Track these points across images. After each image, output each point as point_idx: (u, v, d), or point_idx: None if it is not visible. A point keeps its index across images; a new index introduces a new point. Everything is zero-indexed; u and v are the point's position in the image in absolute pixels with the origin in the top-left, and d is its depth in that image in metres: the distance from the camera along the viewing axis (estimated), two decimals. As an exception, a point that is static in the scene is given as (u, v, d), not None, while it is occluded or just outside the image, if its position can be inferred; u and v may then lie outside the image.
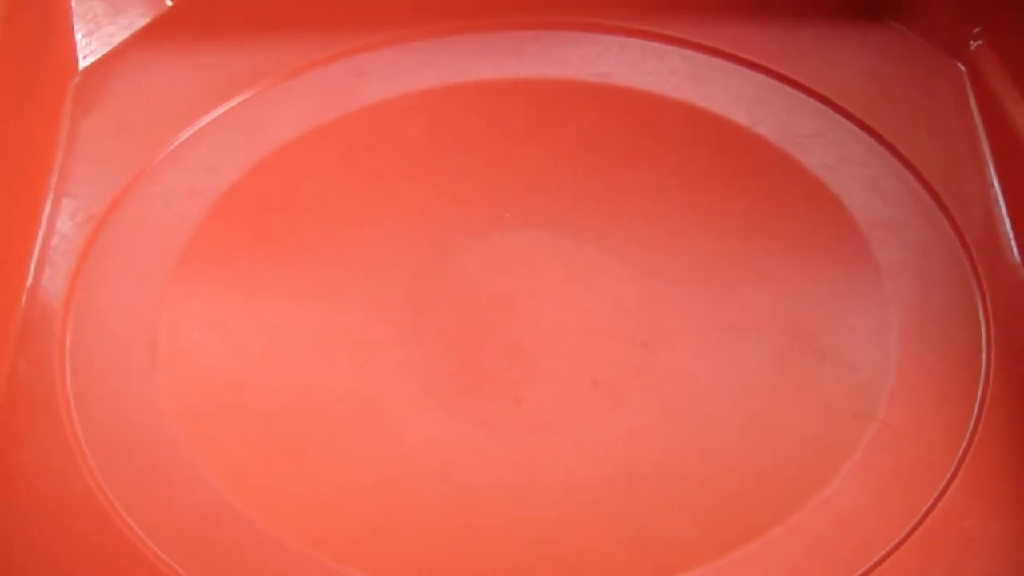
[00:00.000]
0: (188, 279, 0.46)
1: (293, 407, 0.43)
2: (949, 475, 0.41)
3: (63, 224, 0.47)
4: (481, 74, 0.52)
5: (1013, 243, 0.46)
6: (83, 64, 0.52)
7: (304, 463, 0.42)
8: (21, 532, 0.40)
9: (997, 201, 0.47)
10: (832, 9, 0.54)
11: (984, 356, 0.43)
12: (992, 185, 0.48)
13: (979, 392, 0.43)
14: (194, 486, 0.41)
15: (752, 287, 0.46)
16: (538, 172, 0.49)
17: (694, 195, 0.49)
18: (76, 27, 0.52)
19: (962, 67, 0.52)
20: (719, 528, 0.40)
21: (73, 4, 0.52)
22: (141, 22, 0.53)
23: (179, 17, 0.53)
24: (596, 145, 0.50)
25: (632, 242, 0.47)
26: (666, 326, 0.45)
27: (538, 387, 0.44)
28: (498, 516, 0.41)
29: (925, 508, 0.40)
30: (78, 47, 0.52)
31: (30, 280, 0.46)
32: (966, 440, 0.41)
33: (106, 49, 0.52)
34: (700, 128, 0.50)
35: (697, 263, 0.47)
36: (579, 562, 0.40)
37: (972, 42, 0.52)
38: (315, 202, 0.48)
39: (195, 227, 0.47)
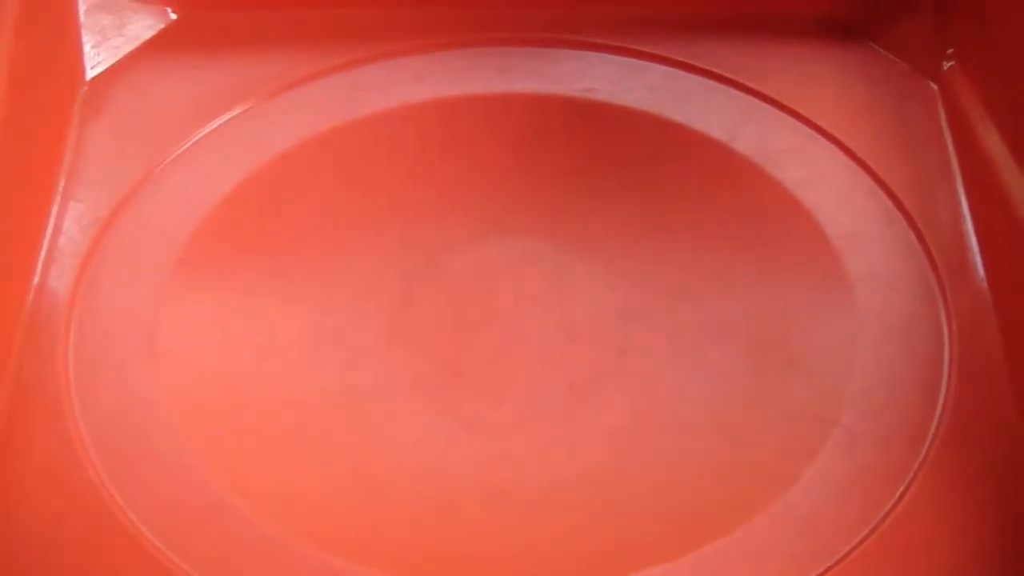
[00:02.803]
0: (188, 281, 0.47)
1: (286, 404, 0.44)
2: (908, 480, 0.42)
3: (69, 226, 0.48)
4: (471, 88, 0.52)
5: (978, 258, 0.47)
6: (91, 74, 0.53)
7: (295, 458, 0.43)
8: (24, 522, 0.41)
9: (964, 217, 0.48)
10: (810, 28, 0.54)
11: (946, 366, 0.44)
12: (960, 202, 0.48)
13: (940, 400, 0.44)
14: (190, 479, 0.42)
15: (726, 296, 0.47)
16: (524, 183, 0.50)
17: (672, 207, 0.49)
18: (84, 39, 0.53)
19: (934, 87, 0.52)
20: (686, 527, 0.41)
21: (82, 17, 0.53)
22: (147, 35, 0.54)
23: (183, 30, 0.54)
24: (579, 158, 0.51)
25: (611, 252, 0.48)
26: (642, 333, 0.46)
27: (518, 389, 0.45)
28: (478, 511, 0.42)
29: (883, 512, 0.41)
30: (86, 58, 0.53)
31: (37, 279, 0.46)
32: (926, 447, 0.42)
33: (113, 60, 0.53)
34: (679, 143, 0.51)
35: (673, 273, 0.48)
36: (554, 556, 0.41)
37: (944, 63, 0.52)
38: (310, 209, 0.49)
39: (195, 231, 0.48)
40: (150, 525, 0.41)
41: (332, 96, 0.52)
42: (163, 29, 0.54)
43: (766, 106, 0.52)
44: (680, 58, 0.53)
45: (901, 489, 0.42)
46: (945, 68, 0.52)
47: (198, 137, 0.51)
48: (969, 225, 0.48)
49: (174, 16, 0.55)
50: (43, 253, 0.47)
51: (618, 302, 0.47)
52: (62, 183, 0.49)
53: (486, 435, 0.44)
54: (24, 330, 0.45)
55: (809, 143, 0.51)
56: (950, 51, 0.52)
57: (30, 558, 0.40)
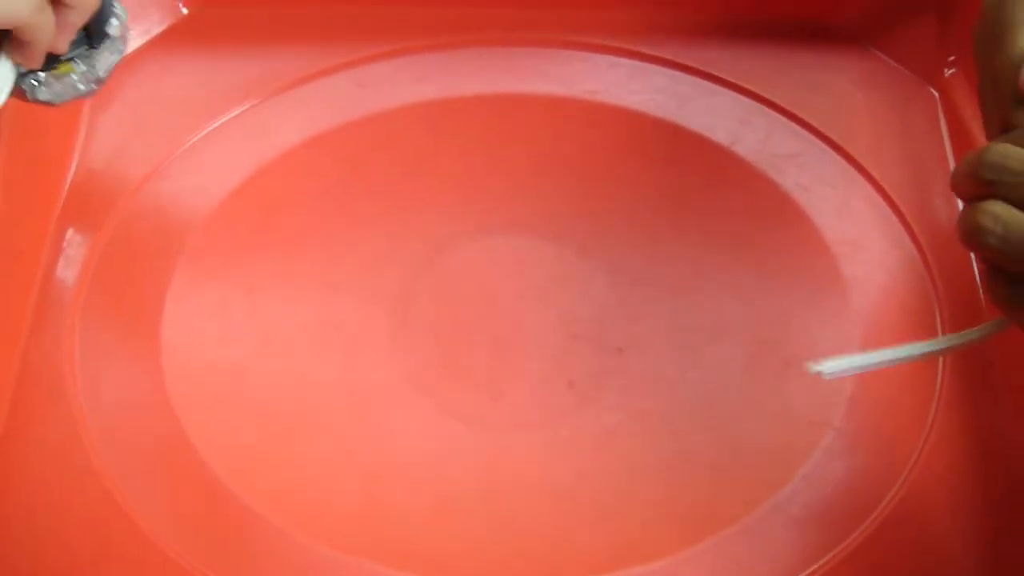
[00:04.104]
0: (193, 273, 0.47)
1: (287, 396, 0.45)
2: (898, 484, 0.42)
3: (78, 217, 0.49)
4: (476, 88, 0.53)
5: (974, 265, 0.47)
6: (102, 68, 0.54)
7: (295, 449, 0.44)
8: (26, 504, 0.42)
9: (961, 224, 0.49)
10: (813, 34, 0.55)
11: (939, 372, 0.45)
12: (957, 208, 0.48)
13: (933, 406, 0.44)
14: (192, 468, 0.43)
15: (724, 298, 0.47)
16: (527, 182, 0.50)
17: (673, 209, 0.50)
18: (96, 33, 0.53)
19: (935, 93, 0.53)
20: (682, 524, 0.42)
21: (94, 11, 0.53)
22: (157, 29, 0.54)
23: (194, 26, 0.55)
24: (582, 158, 0.51)
25: (612, 251, 0.49)
26: (641, 331, 0.46)
27: (517, 384, 0.45)
28: (474, 506, 0.43)
29: (874, 514, 0.42)
30: (97, 52, 0.53)
31: (44, 269, 0.47)
32: (918, 451, 0.43)
33: (124, 54, 0.54)
34: (681, 145, 0.51)
35: (673, 273, 0.48)
36: (552, 552, 0.42)
37: (946, 69, 0.53)
38: (315, 204, 0.50)
39: (202, 224, 0.49)
40: (150, 512, 0.42)
41: (338, 94, 0.53)
42: (174, 24, 0.55)
43: (768, 111, 0.52)
44: (684, 62, 0.54)
45: (893, 491, 0.42)
46: (947, 75, 0.53)
47: (206, 131, 0.52)
48: (967, 232, 0.48)
49: (185, 11, 0.55)
50: (50, 243, 0.48)
51: (618, 301, 0.47)
52: (71, 174, 0.50)
53: (485, 431, 0.44)
54: (32, 317, 0.46)
55: (810, 148, 0.51)
56: (951, 58, 0.53)
57: (31, 540, 0.41)
